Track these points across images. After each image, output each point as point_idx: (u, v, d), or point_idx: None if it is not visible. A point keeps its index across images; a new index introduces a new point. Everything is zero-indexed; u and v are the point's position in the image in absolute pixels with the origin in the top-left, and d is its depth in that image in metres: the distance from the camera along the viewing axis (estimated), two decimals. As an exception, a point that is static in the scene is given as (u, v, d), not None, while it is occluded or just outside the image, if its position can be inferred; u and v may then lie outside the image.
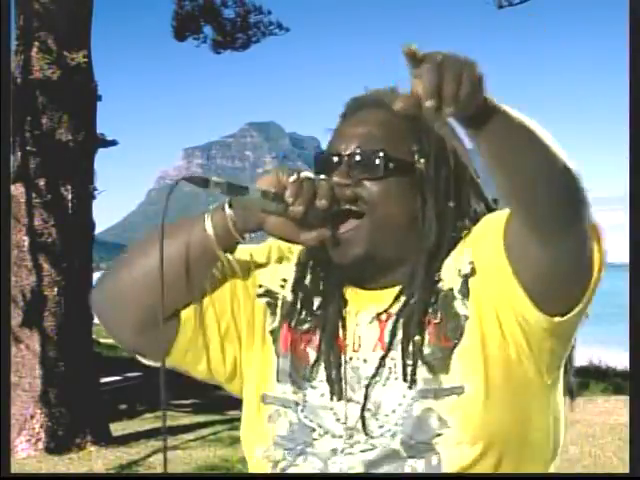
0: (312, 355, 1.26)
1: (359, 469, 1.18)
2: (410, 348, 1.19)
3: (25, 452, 7.59)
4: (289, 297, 1.30)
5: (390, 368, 1.20)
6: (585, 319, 1.18)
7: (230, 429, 9.19)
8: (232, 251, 1.27)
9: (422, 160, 1.23)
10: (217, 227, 1.22)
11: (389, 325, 1.22)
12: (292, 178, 1.17)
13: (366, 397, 1.20)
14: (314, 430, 1.22)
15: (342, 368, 1.22)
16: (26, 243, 7.87)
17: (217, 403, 11.10)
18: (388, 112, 1.17)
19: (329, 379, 1.22)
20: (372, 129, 1.24)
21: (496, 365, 1.16)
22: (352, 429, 1.20)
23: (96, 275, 9.63)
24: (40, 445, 7.67)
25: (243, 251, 1.32)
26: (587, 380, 11.46)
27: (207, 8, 12.21)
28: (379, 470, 1.16)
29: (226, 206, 1.22)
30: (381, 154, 1.21)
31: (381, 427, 1.18)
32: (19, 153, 7.82)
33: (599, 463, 7.00)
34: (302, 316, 1.29)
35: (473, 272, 1.20)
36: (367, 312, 1.25)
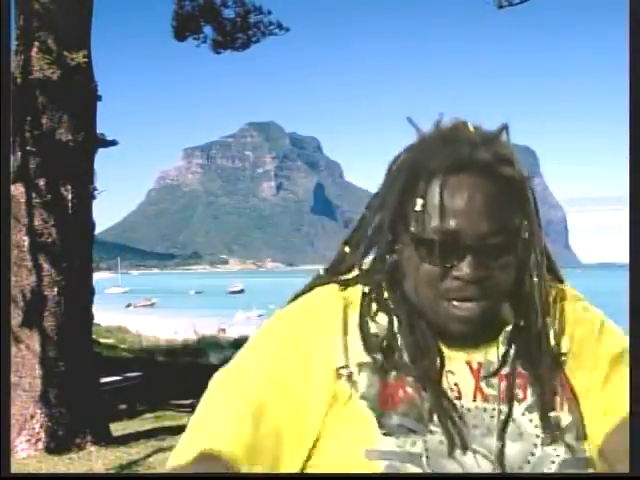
0: (417, 403, 1.16)
1: None
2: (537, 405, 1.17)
3: (25, 452, 7.59)
4: (379, 357, 1.18)
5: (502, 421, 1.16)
6: None
7: (230, 429, 9.18)
8: None
9: (526, 233, 1.17)
10: None
11: (484, 373, 1.19)
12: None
13: (501, 451, 1.14)
14: None
15: (456, 417, 1.15)
16: (26, 243, 7.87)
17: (217, 403, 11.10)
18: (491, 178, 1.14)
19: (446, 428, 1.14)
20: (485, 206, 1.13)
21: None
22: None
23: (96, 275, 9.66)
24: (40, 445, 7.67)
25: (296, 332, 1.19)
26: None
27: (207, 8, 12.21)
28: None
29: None
30: (509, 235, 1.14)
31: None
32: (19, 153, 7.83)
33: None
34: (395, 366, 1.19)
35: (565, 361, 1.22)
36: (459, 359, 1.20)
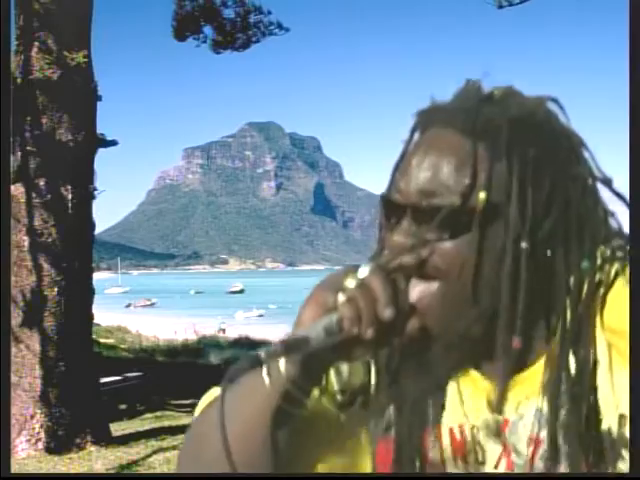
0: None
1: None
2: None
3: (25, 452, 7.59)
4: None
5: None
6: None
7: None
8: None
9: (496, 202, 0.90)
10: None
11: (515, 432, 0.93)
12: (341, 297, 0.89)
13: None
14: None
15: None
16: (26, 243, 7.87)
17: (217, 403, 11.11)
18: (464, 134, 0.92)
19: None
20: (440, 165, 0.92)
21: None
22: None
23: (96, 275, 9.66)
24: (40, 445, 7.67)
25: None
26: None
27: (207, 8, 12.21)
28: None
29: (281, 365, 0.91)
30: (446, 208, 0.90)
31: None
32: (19, 153, 7.83)
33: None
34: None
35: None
36: (484, 411, 0.95)
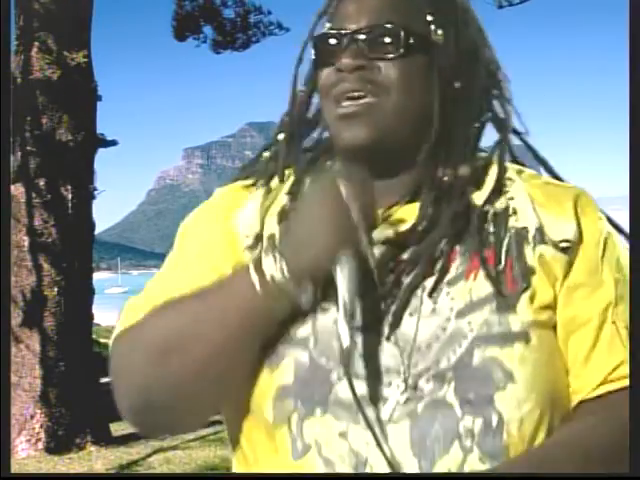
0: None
1: (404, 422, 0.92)
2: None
3: (25, 452, 7.59)
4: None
5: (420, 297, 0.96)
6: None
7: (230, 429, 9.18)
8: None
9: (439, 32, 1.01)
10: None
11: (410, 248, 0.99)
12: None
13: (393, 327, 0.95)
14: (331, 371, 0.95)
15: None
16: (26, 243, 7.87)
17: (217, 403, 11.10)
18: None
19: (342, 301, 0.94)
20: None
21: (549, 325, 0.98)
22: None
23: (96, 275, 9.66)
24: (40, 445, 7.66)
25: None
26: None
27: (207, 8, 12.20)
28: (430, 427, 0.92)
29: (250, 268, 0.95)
30: (392, 28, 0.98)
31: (423, 369, 0.94)
32: (19, 153, 7.82)
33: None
34: None
35: (563, 251, 0.98)
36: (383, 229, 0.99)
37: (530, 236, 0.98)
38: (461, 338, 0.94)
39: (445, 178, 1.01)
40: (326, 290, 0.94)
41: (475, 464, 0.92)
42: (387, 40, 0.98)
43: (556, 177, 1.09)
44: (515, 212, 1.00)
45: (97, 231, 9.01)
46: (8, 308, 7.02)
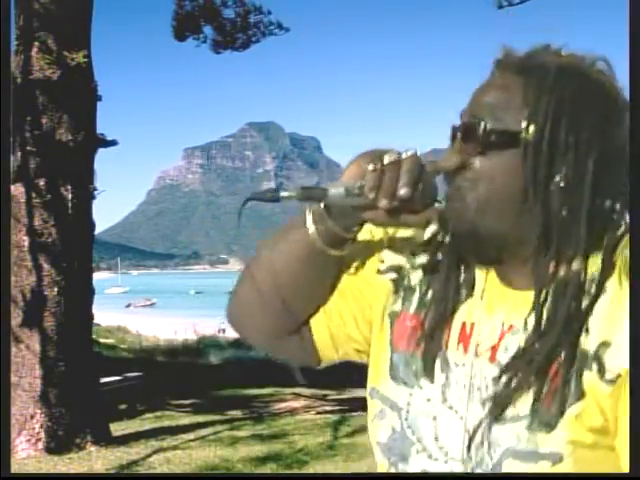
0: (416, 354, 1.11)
1: None
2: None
3: (25, 452, 7.59)
4: (413, 278, 1.16)
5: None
6: None
7: (230, 429, 9.19)
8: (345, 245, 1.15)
9: (531, 128, 1.02)
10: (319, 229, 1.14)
11: (508, 339, 1.05)
12: (370, 166, 1.04)
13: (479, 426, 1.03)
14: (413, 444, 1.09)
15: (449, 368, 1.07)
16: (26, 243, 7.87)
17: (217, 403, 11.10)
18: (518, 73, 1.05)
19: (429, 376, 1.08)
20: (492, 96, 1.06)
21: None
22: (448, 452, 1.06)
23: (96, 275, 9.67)
24: (40, 445, 7.67)
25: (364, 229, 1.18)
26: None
27: (207, 8, 12.21)
28: None
29: (307, 216, 1.16)
30: (480, 125, 1.03)
31: (479, 462, 1.03)
32: (19, 153, 7.82)
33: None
34: (420, 299, 1.14)
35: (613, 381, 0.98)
36: (496, 314, 1.06)
37: (589, 360, 0.99)
38: (496, 446, 1.01)
39: (561, 273, 1.02)
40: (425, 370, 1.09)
41: None
42: (472, 137, 1.04)
43: None
44: (587, 331, 1.00)
45: (97, 231, 9.02)
46: (8, 308, 7.02)
